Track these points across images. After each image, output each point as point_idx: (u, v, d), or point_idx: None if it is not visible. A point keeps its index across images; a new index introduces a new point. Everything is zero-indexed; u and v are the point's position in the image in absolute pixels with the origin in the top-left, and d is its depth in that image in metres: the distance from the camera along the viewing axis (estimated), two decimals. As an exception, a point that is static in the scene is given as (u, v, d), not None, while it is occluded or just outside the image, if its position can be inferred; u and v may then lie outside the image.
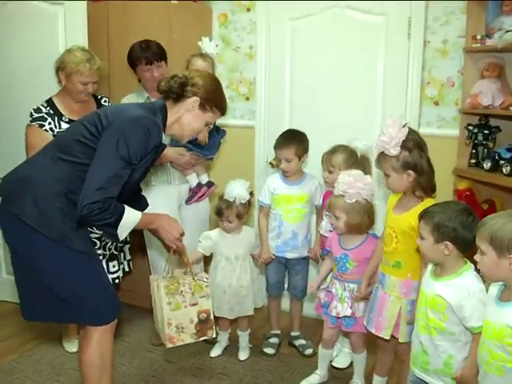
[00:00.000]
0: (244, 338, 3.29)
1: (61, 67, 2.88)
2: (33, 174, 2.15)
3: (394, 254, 2.45)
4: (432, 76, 3.31)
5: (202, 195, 3.27)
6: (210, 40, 3.15)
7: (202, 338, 2.51)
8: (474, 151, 3.13)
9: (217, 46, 3.13)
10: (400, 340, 2.46)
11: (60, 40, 3.42)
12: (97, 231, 2.84)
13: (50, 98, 2.97)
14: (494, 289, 1.88)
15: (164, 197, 3.12)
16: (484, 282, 1.96)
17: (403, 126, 2.32)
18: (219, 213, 3.08)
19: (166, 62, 3.18)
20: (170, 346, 2.45)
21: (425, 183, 2.36)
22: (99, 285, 2.27)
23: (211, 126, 2.46)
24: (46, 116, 2.89)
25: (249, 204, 3.11)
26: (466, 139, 3.15)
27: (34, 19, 3.51)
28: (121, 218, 2.08)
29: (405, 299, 2.43)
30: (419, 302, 2.16)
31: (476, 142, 3.10)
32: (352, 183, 2.59)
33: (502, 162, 2.88)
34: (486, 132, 3.05)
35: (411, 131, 2.37)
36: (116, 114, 2.14)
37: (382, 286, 2.53)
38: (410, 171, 2.34)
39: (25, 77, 3.51)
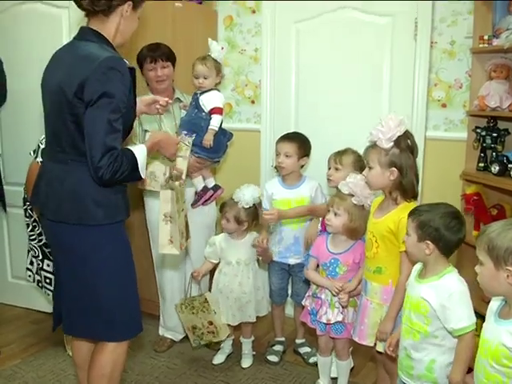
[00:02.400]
0: (247, 345, 3.25)
1: None
2: (73, 183, 2.09)
3: (374, 260, 2.43)
4: (439, 78, 3.25)
5: (208, 199, 3.22)
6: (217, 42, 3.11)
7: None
8: (482, 154, 3.05)
9: (222, 48, 3.09)
10: (377, 348, 2.42)
11: (64, 42, 3.41)
12: None
13: None
14: (495, 303, 1.79)
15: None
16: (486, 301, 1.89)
17: (405, 126, 2.30)
18: (221, 208, 3.11)
19: (173, 66, 3.15)
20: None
21: (407, 186, 2.33)
22: (135, 290, 2.29)
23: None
24: None
25: (254, 213, 3.06)
26: (473, 142, 3.08)
27: (39, 21, 3.53)
28: (136, 161, 2.06)
29: (385, 306, 2.37)
30: (404, 306, 2.14)
31: (484, 145, 3.02)
32: (363, 187, 2.54)
33: (510, 165, 2.80)
34: (495, 135, 2.97)
35: (409, 134, 2.34)
36: (79, 76, 1.98)
37: (365, 292, 2.49)
38: (394, 169, 2.30)
39: (31, 78, 3.50)
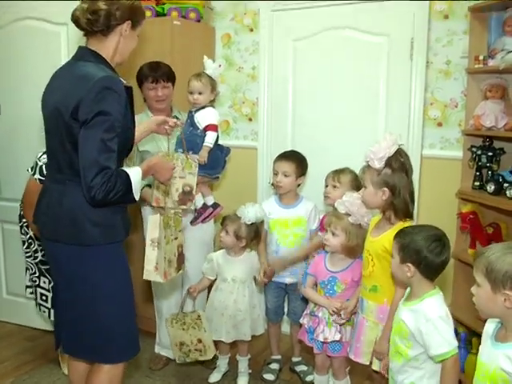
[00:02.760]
0: (243, 363, 3.23)
1: None
2: (70, 203, 2.09)
3: (370, 278, 2.43)
4: (435, 97, 3.27)
5: (207, 216, 3.21)
6: (213, 61, 3.12)
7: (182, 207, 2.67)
8: (477, 173, 3.06)
9: (220, 66, 3.11)
10: (373, 367, 2.41)
11: (63, 60, 3.43)
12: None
13: None
14: (491, 326, 1.77)
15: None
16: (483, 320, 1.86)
17: (397, 145, 2.31)
18: (222, 221, 3.11)
19: (173, 85, 3.17)
20: None
21: (398, 206, 2.33)
22: (133, 311, 2.28)
23: None
24: None
25: (255, 232, 3.06)
26: (469, 161, 3.09)
27: (38, 38, 3.56)
28: (130, 183, 2.04)
29: (381, 325, 2.37)
30: (392, 328, 2.15)
31: (480, 164, 3.04)
32: (360, 205, 2.55)
33: (506, 184, 2.81)
34: (490, 154, 2.99)
35: (403, 154, 2.35)
36: (74, 97, 1.98)
37: (361, 310, 2.50)
38: (386, 189, 2.31)
39: (28, 93, 3.52)
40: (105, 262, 2.14)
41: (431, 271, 2.02)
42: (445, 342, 1.93)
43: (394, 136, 2.32)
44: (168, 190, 2.63)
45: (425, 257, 1.99)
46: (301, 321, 2.84)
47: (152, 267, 2.36)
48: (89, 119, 1.95)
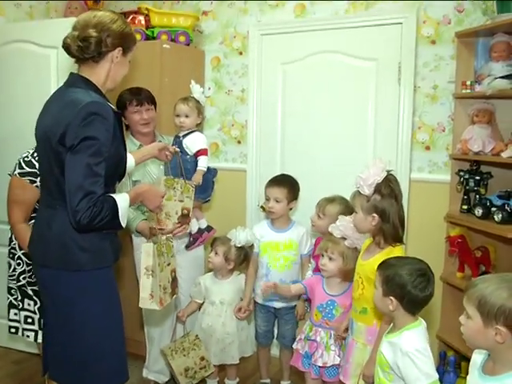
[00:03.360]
0: (232, 387, 3.20)
1: None
2: (59, 228, 2.08)
3: (360, 300, 2.43)
4: (423, 121, 3.30)
5: (204, 240, 3.20)
6: (200, 86, 3.12)
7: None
8: (465, 197, 3.09)
9: (209, 89, 3.12)
10: None
11: (52, 82, 3.43)
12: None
13: None
14: (479, 357, 1.74)
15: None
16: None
17: (387, 172, 2.33)
18: (212, 242, 3.12)
19: (155, 109, 3.17)
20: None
21: (388, 231, 2.34)
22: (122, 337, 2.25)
23: None
24: (38, 172, 2.70)
25: (244, 255, 3.07)
26: (457, 185, 3.12)
27: (27, 61, 3.54)
28: (117, 209, 2.03)
29: (369, 347, 2.36)
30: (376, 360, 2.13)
31: (467, 187, 3.06)
32: (354, 229, 2.55)
33: (493, 209, 2.84)
34: (478, 178, 3.01)
35: (392, 179, 2.37)
36: (61, 123, 1.99)
37: (351, 332, 2.49)
38: (375, 215, 2.33)
39: (18, 116, 3.52)
40: (93, 287, 2.13)
41: (414, 306, 1.99)
42: (422, 375, 1.89)
43: (383, 162, 2.35)
44: (157, 218, 2.65)
45: (408, 291, 1.95)
46: (294, 346, 2.81)
47: (147, 295, 2.37)
48: (75, 144, 1.95)
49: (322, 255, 2.68)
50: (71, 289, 2.10)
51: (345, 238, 2.60)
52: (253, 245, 3.07)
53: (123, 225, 2.08)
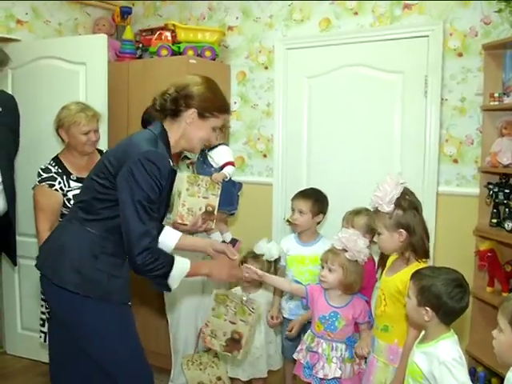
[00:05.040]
0: (259, 401, 3.18)
1: (59, 125, 2.88)
2: (65, 240, 2.14)
3: (382, 318, 2.39)
4: (450, 134, 3.27)
5: None
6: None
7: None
8: (495, 210, 3.05)
9: (235, 103, 3.12)
10: None
11: (80, 98, 3.49)
12: None
13: (57, 157, 2.96)
14: None
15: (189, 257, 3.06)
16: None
17: (400, 184, 2.31)
18: (244, 259, 3.04)
19: None
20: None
21: (417, 244, 2.31)
22: (138, 348, 2.25)
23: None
24: (55, 176, 2.86)
25: (275, 269, 3.08)
26: (486, 198, 3.08)
27: (56, 77, 3.61)
28: (171, 269, 2.08)
29: (391, 366, 2.32)
30: (406, 370, 2.09)
31: (497, 201, 3.02)
32: (356, 242, 2.53)
33: (523, 222, 2.80)
34: (507, 191, 2.97)
35: (408, 191, 2.35)
36: (120, 158, 2.09)
37: (372, 350, 2.46)
38: (402, 230, 2.30)
39: (47, 135, 3.56)
40: (101, 318, 2.15)
41: (450, 317, 1.97)
42: None
43: (395, 176, 2.33)
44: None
45: (445, 302, 1.93)
46: (295, 356, 2.76)
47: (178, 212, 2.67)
48: (124, 180, 2.03)
49: (322, 266, 2.64)
50: (74, 311, 2.14)
51: (346, 251, 2.56)
52: (279, 257, 3.06)
53: (172, 287, 2.14)
